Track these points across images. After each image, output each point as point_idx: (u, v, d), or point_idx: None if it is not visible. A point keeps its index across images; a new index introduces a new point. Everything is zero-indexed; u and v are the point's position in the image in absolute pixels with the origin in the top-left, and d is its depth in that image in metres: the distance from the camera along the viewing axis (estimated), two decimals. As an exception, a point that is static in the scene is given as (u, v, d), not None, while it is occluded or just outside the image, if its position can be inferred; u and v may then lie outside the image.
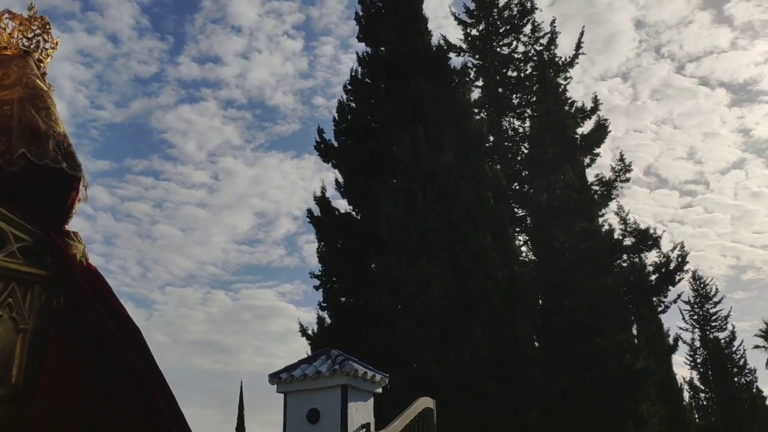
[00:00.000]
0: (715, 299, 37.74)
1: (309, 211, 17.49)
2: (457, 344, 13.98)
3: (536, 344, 16.81)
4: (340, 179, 17.57)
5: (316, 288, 16.77)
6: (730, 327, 37.15)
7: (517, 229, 20.73)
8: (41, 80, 2.45)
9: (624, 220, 20.64)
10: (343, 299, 16.47)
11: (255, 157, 79.38)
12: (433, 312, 14.32)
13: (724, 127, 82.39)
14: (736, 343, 36.30)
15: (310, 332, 16.22)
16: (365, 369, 8.21)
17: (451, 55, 21.22)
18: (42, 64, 2.59)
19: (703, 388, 35.46)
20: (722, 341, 36.47)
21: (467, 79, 19.78)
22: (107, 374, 1.86)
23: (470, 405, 13.35)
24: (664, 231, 24.64)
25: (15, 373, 1.77)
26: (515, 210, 21.05)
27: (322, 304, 16.51)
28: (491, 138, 21.31)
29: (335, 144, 18.06)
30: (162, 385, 2.00)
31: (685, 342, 35.92)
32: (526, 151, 22.09)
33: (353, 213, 17.40)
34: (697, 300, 37.85)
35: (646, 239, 19.04)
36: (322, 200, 17.61)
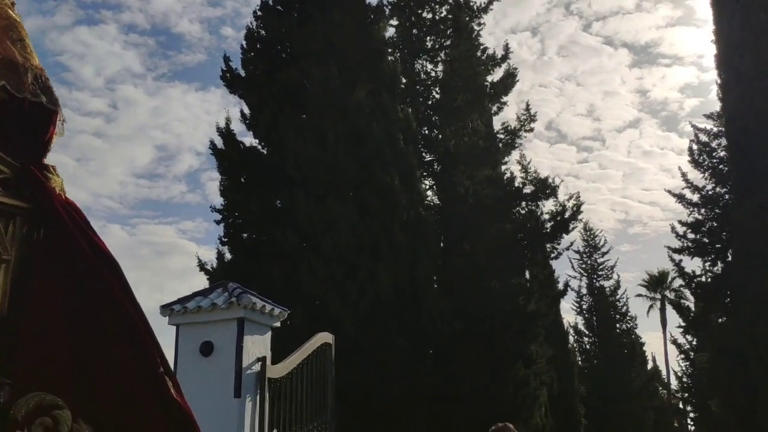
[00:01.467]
0: (603, 250, 40.01)
1: (212, 143, 16.78)
2: (360, 282, 14.05)
3: (435, 285, 17.21)
4: (247, 111, 16.90)
5: (217, 223, 16.29)
6: (615, 277, 39.68)
7: (425, 173, 20.90)
8: (12, 10, 2.34)
9: (525, 169, 21.23)
10: (246, 235, 16.09)
11: (157, 86, 75.63)
12: (338, 250, 14.28)
13: (623, 86, 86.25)
14: (620, 292, 38.80)
15: (209, 267, 15.81)
16: (263, 302, 8.05)
17: (367, -11, 20.58)
18: None
19: (587, 332, 37.85)
20: (607, 290, 38.84)
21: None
22: (90, 303, 1.93)
23: (369, 342, 13.53)
24: (561, 181, 25.56)
25: (-1, 302, 1.86)
26: (423, 154, 21.16)
27: (223, 240, 16.07)
28: (404, 80, 21.13)
29: (242, 74, 17.27)
30: (140, 313, 2.08)
31: (572, 289, 38.04)
32: (437, 96, 22.10)
33: (259, 147, 16.84)
34: (587, 250, 39.97)
35: (545, 188, 19.71)
36: (226, 132, 16.90)
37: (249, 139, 17.21)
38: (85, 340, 1.88)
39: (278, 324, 8.59)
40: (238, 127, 21.37)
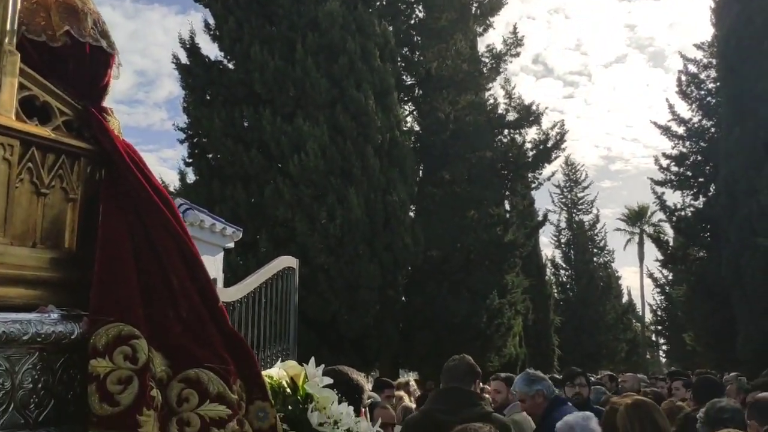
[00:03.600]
0: (584, 184, 39.59)
1: (175, 56, 15.60)
2: (330, 206, 13.33)
3: (411, 214, 16.57)
4: (211, 21, 15.65)
5: (181, 142, 15.35)
6: (594, 211, 39.44)
7: (405, 98, 19.95)
8: None
9: (509, 95, 20.34)
10: (210, 155, 15.16)
11: (135, 9, 72.46)
12: (307, 172, 13.49)
13: (612, 21, 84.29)
14: (598, 227, 38.70)
15: (171, 189, 14.93)
16: (213, 220, 7.37)
17: None
18: None
19: (564, 266, 37.84)
20: (586, 224, 38.68)
21: None
22: (153, 238, 2.06)
23: (338, 267, 12.93)
24: (546, 108, 24.33)
25: (67, 238, 2.02)
26: (404, 78, 20.14)
27: (187, 160, 15.17)
28: (384, -5, 19.83)
29: (206, -21, 15.93)
30: (195, 248, 2.18)
31: (551, 223, 37.72)
32: (420, 16, 20.87)
33: (225, 61, 15.70)
34: (567, 184, 39.51)
35: (529, 115, 18.90)
36: (190, 45, 15.71)
37: (215, 51, 16.06)
38: (151, 273, 2.01)
39: (231, 245, 7.94)
40: (206, 42, 20.05)
